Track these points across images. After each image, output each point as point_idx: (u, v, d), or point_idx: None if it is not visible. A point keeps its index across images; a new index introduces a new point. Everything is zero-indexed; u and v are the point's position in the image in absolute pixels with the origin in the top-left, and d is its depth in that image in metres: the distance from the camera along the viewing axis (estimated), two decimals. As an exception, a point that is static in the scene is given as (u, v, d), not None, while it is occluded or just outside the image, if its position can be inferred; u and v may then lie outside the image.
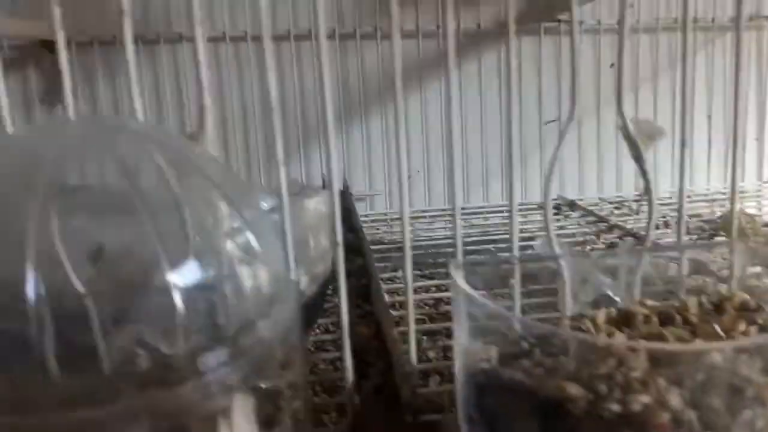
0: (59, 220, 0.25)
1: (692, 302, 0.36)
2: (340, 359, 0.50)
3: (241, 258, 0.29)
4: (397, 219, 1.00)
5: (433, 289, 0.70)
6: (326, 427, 0.38)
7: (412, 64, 0.98)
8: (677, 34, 1.04)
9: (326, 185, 1.00)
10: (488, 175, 1.04)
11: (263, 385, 0.29)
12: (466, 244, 0.82)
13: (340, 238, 0.35)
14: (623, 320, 0.35)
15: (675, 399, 0.27)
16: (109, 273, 0.29)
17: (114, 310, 0.28)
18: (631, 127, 0.31)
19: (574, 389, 0.29)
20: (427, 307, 0.64)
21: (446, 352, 0.53)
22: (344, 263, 0.68)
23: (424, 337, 0.58)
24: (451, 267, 0.33)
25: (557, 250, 0.34)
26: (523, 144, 1.02)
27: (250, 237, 0.30)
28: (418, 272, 0.74)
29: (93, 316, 0.26)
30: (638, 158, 0.31)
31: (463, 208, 1.04)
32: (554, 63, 1.02)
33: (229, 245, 0.29)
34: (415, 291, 0.68)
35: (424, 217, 1.00)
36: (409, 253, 0.36)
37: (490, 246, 0.84)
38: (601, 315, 0.35)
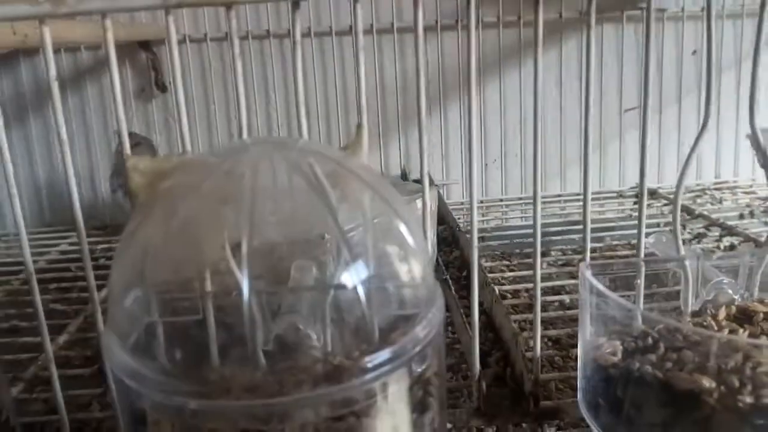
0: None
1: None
2: (453, 345, 0.54)
3: (398, 255, 0.33)
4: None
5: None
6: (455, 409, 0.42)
7: (492, 53, 0.99)
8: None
9: (404, 176, 1.03)
10: (566, 164, 1.05)
11: (417, 375, 0.32)
12: (545, 233, 0.84)
13: (476, 241, 0.37)
14: (743, 317, 0.37)
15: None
16: (278, 268, 0.33)
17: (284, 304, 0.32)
18: (761, 136, 0.32)
19: (707, 382, 0.31)
20: (521, 296, 0.66)
21: (547, 342, 0.55)
22: (441, 255, 0.72)
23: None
24: (581, 267, 0.36)
25: (681, 248, 0.36)
26: (602, 132, 1.02)
27: (405, 233, 0.33)
28: (507, 263, 0.76)
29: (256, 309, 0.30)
30: (767, 167, 0.33)
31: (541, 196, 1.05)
32: (636, 51, 1.01)
33: (389, 244, 0.32)
34: (504, 281, 0.71)
35: (501, 205, 1.02)
36: (539, 249, 0.39)
37: (574, 236, 0.86)
38: (721, 312, 0.37)
